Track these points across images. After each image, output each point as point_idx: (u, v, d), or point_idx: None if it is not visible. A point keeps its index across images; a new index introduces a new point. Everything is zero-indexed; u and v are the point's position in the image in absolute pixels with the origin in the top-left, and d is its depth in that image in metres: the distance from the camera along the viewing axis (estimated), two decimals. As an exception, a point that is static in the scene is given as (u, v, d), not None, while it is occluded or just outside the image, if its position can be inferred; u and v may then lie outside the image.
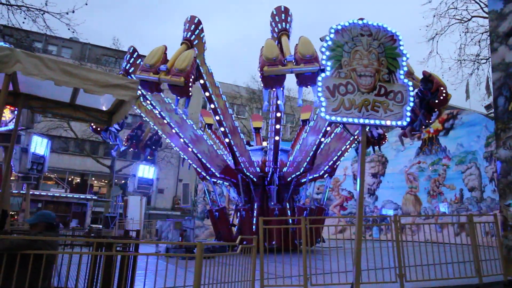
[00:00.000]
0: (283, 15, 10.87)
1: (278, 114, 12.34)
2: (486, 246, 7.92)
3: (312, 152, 13.06)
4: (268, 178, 13.63)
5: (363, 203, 5.88)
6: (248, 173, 13.33)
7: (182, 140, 13.01)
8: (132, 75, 11.63)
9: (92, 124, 12.34)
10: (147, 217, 29.09)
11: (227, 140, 12.48)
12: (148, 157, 16.77)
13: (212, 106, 12.00)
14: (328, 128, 12.48)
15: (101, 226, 23.65)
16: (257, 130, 18.23)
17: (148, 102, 12.49)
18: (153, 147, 17.03)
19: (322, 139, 12.74)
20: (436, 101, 10.17)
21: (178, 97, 9.65)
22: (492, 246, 7.95)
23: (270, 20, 11.09)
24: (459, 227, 14.01)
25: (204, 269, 4.69)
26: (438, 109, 10.74)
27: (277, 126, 12.58)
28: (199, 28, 10.99)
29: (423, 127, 11.22)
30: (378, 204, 21.45)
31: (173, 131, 12.93)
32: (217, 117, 12.16)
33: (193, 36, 10.61)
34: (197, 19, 11.04)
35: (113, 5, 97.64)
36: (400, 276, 6.52)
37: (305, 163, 13.25)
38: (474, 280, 6.83)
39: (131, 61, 12.11)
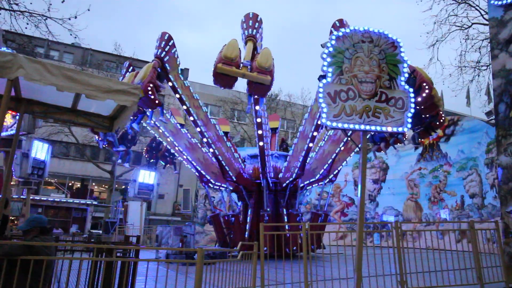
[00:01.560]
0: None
1: (319, 122, 12.02)
2: (487, 253, 7.89)
3: (330, 160, 13.10)
4: (284, 184, 13.56)
5: (364, 209, 5.87)
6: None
7: (205, 139, 12.74)
8: (167, 64, 11.25)
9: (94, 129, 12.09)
10: (148, 223, 29.01)
11: (261, 143, 12.34)
12: (120, 152, 15.83)
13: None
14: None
15: (101, 232, 23.59)
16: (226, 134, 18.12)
17: (178, 96, 12.06)
18: (128, 145, 16.40)
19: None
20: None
21: (256, 96, 9.40)
22: (494, 253, 7.92)
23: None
24: (460, 234, 13.97)
25: (205, 275, 4.68)
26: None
27: (315, 134, 12.23)
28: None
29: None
30: (379, 211, 21.39)
31: (198, 129, 12.70)
32: (259, 120, 12.12)
33: (257, 34, 10.48)
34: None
35: (112, 12, 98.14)
36: (401, 283, 6.49)
37: (322, 170, 13.26)
38: (476, 287, 6.81)
39: (166, 49, 11.33)
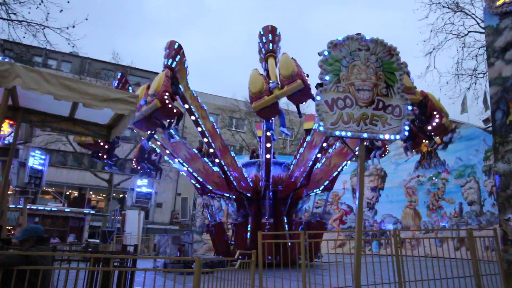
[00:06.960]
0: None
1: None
2: (486, 260, 7.86)
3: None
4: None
5: (363, 217, 5.85)
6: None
7: (212, 150, 12.64)
8: (177, 74, 10.87)
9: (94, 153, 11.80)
10: (145, 232, 28.83)
11: (268, 156, 12.28)
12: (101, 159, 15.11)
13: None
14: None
15: (98, 241, 23.43)
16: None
17: (187, 106, 11.85)
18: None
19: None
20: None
21: (303, 102, 9.67)
22: (493, 261, 7.90)
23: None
24: (459, 241, 13.94)
25: (203, 284, 4.64)
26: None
27: (324, 145, 12.25)
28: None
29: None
30: (378, 218, 21.34)
31: (205, 140, 12.67)
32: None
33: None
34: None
35: (108, 21, 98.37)
36: (400, 291, 6.45)
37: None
38: (475, 295, 6.77)
39: (176, 59, 10.71)
